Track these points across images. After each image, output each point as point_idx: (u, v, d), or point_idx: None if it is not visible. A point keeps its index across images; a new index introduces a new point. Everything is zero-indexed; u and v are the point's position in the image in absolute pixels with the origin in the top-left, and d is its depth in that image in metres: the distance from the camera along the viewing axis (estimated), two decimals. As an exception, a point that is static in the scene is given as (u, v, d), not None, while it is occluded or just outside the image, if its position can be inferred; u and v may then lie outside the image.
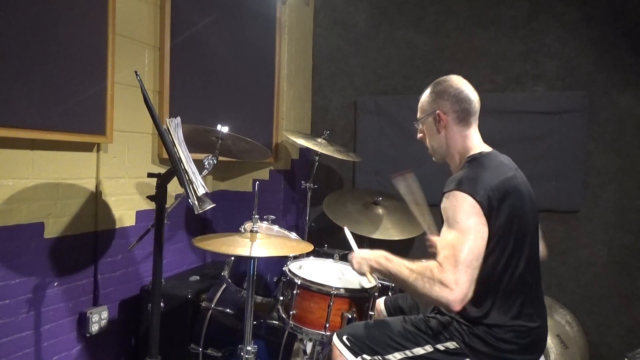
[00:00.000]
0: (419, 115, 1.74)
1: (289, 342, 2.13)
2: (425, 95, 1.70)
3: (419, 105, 1.73)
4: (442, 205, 1.49)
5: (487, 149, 1.64)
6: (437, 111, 1.62)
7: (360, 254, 1.66)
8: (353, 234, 2.02)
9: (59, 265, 2.05)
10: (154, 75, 2.45)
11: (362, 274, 1.66)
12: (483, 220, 1.40)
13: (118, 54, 2.16)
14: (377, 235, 2.72)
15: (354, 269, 1.67)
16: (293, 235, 2.23)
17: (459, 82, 1.64)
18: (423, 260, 1.44)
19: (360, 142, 3.47)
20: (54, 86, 1.89)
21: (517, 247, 1.47)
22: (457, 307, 1.32)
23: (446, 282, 1.32)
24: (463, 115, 1.61)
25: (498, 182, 1.47)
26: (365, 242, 3.02)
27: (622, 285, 2.92)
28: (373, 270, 1.60)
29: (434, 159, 1.76)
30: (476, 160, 1.57)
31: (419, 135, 1.76)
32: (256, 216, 1.87)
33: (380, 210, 2.89)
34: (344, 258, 2.29)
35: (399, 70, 3.41)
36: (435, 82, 1.68)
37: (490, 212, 1.41)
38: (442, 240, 1.42)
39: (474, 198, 1.41)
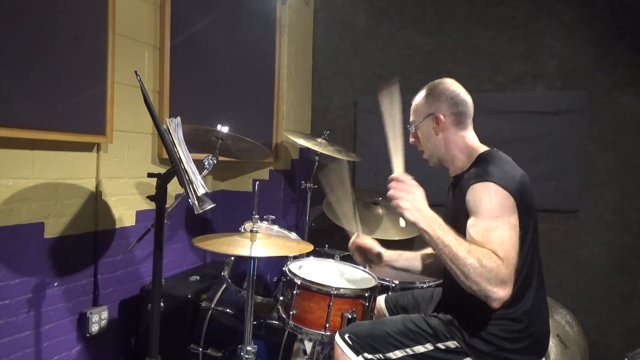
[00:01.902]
0: (412, 118, 1.70)
1: (289, 342, 2.13)
2: (420, 99, 1.67)
3: (413, 109, 1.70)
4: (473, 196, 1.40)
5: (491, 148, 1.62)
6: (435, 113, 1.60)
7: (417, 200, 1.43)
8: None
9: (59, 265, 2.05)
10: (154, 75, 2.45)
11: (400, 214, 1.46)
12: (517, 215, 1.37)
13: (118, 54, 2.16)
14: (377, 235, 2.70)
15: (391, 198, 1.46)
16: (293, 235, 2.23)
17: (454, 85, 1.63)
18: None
19: (360, 142, 3.47)
20: (54, 86, 1.89)
21: (533, 242, 1.46)
22: (499, 305, 1.30)
23: (505, 280, 1.27)
24: (460, 118, 1.59)
25: (520, 176, 1.45)
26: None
27: (622, 285, 2.92)
28: (418, 227, 1.41)
29: (430, 163, 1.71)
30: (490, 155, 1.54)
31: (412, 140, 1.71)
32: (256, 216, 1.86)
33: (380, 210, 2.89)
34: (345, 258, 2.30)
35: (399, 70, 3.41)
36: (430, 85, 1.66)
37: (520, 206, 1.38)
38: (483, 232, 1.33)
39: (508, 191, 1.36)
